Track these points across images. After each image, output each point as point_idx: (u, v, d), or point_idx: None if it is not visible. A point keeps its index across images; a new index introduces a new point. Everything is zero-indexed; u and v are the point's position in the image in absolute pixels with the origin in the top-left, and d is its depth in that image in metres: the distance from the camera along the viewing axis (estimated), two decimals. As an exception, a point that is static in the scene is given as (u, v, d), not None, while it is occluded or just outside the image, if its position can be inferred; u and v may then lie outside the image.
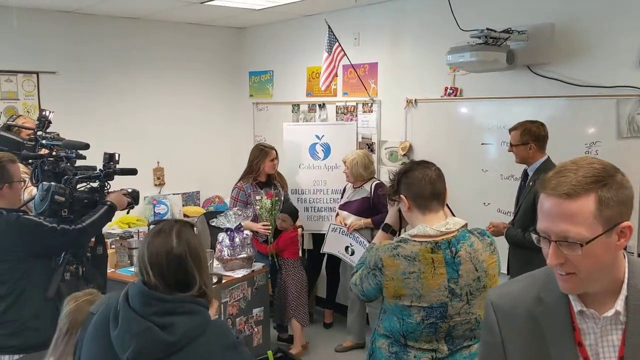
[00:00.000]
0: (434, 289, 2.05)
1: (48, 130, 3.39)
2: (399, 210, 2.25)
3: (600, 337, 1.27)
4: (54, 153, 3.11)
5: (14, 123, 3.80)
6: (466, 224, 2.19)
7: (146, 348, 1.50)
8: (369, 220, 4.57)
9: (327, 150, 5.23)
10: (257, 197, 4.70)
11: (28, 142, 3.21)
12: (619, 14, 3.69)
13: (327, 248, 4.88)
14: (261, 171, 4.79)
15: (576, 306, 1.29)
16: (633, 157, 3.63)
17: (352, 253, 4.65)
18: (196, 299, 1.61)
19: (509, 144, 3.66)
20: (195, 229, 1.71)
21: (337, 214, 4.85)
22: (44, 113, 3.44)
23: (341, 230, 4.68)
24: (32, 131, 3.40)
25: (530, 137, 3.51)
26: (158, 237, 1.64)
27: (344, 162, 4.73)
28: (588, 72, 3.83)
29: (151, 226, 1.76)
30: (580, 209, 1.20)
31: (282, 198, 4.85)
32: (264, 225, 4.68)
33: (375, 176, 4.91)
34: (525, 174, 3.68)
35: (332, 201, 5.17)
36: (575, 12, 3.87)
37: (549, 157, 3.54)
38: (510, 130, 3.63)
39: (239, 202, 4.79)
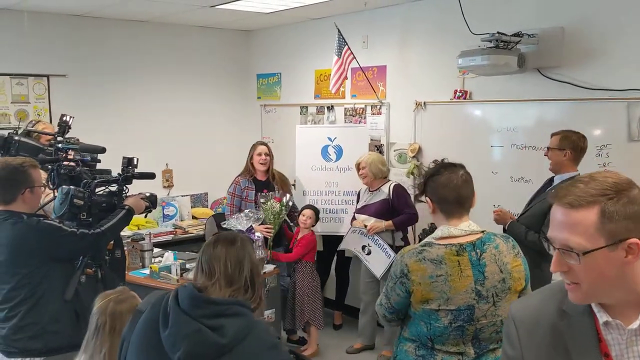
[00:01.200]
0: (461, 292, 2.07)
1: (67, 136, 3.41)
2: None
3: (625, 348, 1.27)
4: (69, 157, 3.14)
5: (33, 129, 3.82)
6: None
7: (197, 349, 1.54)
8: (389, 222, 4.56)
9: (339, 152, 5.25)
10: (262, 200, 4.70)
11: (48, 148, 3.23)
12: (628, 17, 3.71)
13: (344, 244, 4.89)
14: (254, 167, 4.91)
15: (601, 317, 1.29)
16: (644, 160, 3.67)
17: (369, 253, 4.66)
18: (242, 301, 1.66)
19: (546, 148, 3.63)
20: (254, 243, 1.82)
21: (354, 218, 4.83)
22: (64, 118, 3.45)
23: (361, 231, 4.69)
24: (51, 137, 3.41)
25: (568, 143, 3.49)
26: (223, 244, 1.73)
27: (358, 166, 4.71)
28: (598, 75, 3.85)
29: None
30: (582, 219, 1.22)
31: (288, 202, 4.81)
32: (266, 228, 4.67)
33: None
34: (550, 180, 3.65)
35: (345, 203, 5.18)
36: (585, 16, 3.90)
37: (579, 173, 3.53)
38: (552, 134, 3.62)
39: (236, 197, 4.89)
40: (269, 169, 4.97)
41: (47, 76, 5.33)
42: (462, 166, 2.24)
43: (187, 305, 1.60)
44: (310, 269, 4.86)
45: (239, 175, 4.98)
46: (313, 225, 4.87)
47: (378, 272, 4.57)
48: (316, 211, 4.90)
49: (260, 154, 4.88)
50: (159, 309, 1.63)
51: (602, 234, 1.21)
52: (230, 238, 1.77)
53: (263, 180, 4.93)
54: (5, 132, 3.45)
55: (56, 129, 3.54)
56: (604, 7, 3.82)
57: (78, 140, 3.28)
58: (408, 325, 2.24)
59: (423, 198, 2.25)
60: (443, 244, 2.11)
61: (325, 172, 5.26)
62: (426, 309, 2.11)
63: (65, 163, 3.08)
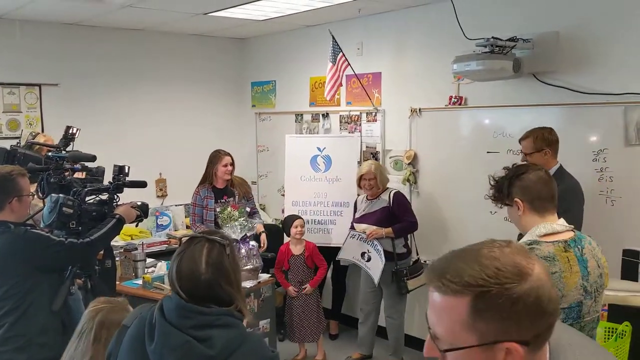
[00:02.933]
0: (572, 288, 2.01)
1: (69, 149, 3.38)
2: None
3: None
4: (67, 165, 3.10)
5: (34, 141, 3.79)
6: None
7: None
8: (389, 229, 4.52)
9: (328, 162, 5.22)
10: (218, 209, 4.52)
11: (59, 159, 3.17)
12: (624, 21, 3.69)
13: (342, 254, 4.84)
14: (216, 176, 4.84)
15: None
16: (642, 165, 3.63)
17: (369, 259, 4.61)
18: (232, 311, 1.60)
19: (522, 154, 3.61)
20: (227, 247, 1.67)
21: (352, 228, 4.78)
22: (70, 131, 3.41)
23: (360, 237, 4.64)
24: (53, 149, 3.38)
25: (544, 143, 3.48)
26: (186, 261, 1.61)
27: (361, 177, 4.60)
28: (594, 80, 3.83)
29: (182, 240, 1.77)
30: (450, 309, 1.00)
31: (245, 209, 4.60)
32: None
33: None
34: None
35: (333, 214, 5.14)
36: (579, 20, 3.88)
37: (561, 164, 3.51)
38: (521, 140, 3.59)
39: (197, 207, 4.86)
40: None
41: (39, 85, 5.27)
42: (540, 166, 2.21)
43: (174, 317, 1.54)
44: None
45: (199, 185, 4.92)
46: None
47: (377, 277, 4.53)
48: (302, 219, 4.93)
49: (226, 165, 4.84)
50: (144, 322, 1.57)
51: (473, 331, 0.98)
52: (198, 248, 1.65)
53: (222, 188, 4.88)
54: (7, 145, 3.43)
55: (57, 142, 3.51)
56: (599, 12, 3.80)
57: (79, 152, 3.24)
58: None
59: (508, 201, 2.16)
60: (550, 241, 2.04)
61: (314, 182, 5.23)
62: None
63: (66, 173, 3.06)
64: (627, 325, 2.66)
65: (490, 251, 1.01)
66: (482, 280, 0.97)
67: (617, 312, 2.81)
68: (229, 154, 4.90)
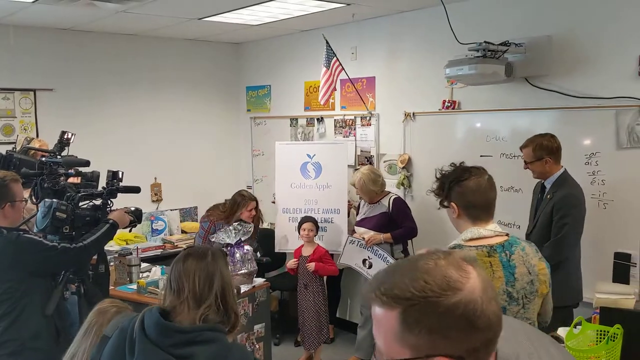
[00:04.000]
0: None
1: (64, 154, 3.39)
2: None
3: None
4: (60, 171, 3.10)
5: (30, 146, 3.80)
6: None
7: None
8: (388, 235, 4.54)
9: (318, 169, 5.22)
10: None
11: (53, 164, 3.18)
12: (616, 25, 3.71)
13: (343, 260, 4.83)
14: (237, 217, 4.78)
15: None
16: (633, 168, 3.65)
17: (370, 266, 4.62)
18: (213, 325, 1.58)
19: (524, 162, 3.61)
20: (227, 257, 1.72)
21: (354, 231, 4.81)
22: (66, 136, 3.42)
23: (359, 243, 4.65)
24: (48, 154, 3.39)
25: (544, 151, 3.47)
26: (194, 258, 1.65)
27: (354, 185, 4.70)
28: (586, 84, 3.85)
29: (184, 246, 1.78)
30: (385, 321, 0.98)
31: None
32: None
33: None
34: (542, 187, 3.63)
35: (324, 220, 5.12)
36: (572, 24, 3.90)
37: (565, 169, 3.52)
38: (522, 147, 3.59)
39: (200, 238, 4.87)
40: None
41: (34, 90, 5.28)
42: (484, 169, 2.19)
43: (154, 334, 1.52)
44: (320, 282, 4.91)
45: (219, 218, 4.82)
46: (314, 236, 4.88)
47: None
48: (314, 221, 4.89)
49: (251, 210, 4.81)
50: (125, 335, 1.56)
51: (405, 344, 0.96)
52: (201, 252, 1.69)
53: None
54: (3, 151, 3.44)
55: (52, 146, 3.52)
56: (590, 16, 3.82)
57: (76, 157, 3.25)
58: None
59: (446, 203, 2.18)
60: (473, 246, 2.06)
61: (304, 189, 5.23)
62: None
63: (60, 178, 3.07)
64: (618, 328, 2.67)
65: (425, 263, 0.99)
66: (409, 293, 0.95)
67: (609, 315, 2.81)
68: (254, 199, 4.85)
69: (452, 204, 2.15)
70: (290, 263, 4.89)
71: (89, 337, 1.93)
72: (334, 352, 5.15)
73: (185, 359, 1.49)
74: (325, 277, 5.08)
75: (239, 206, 4.82)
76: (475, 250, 2.05)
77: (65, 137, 3.53)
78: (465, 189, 2.12)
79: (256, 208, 4.89)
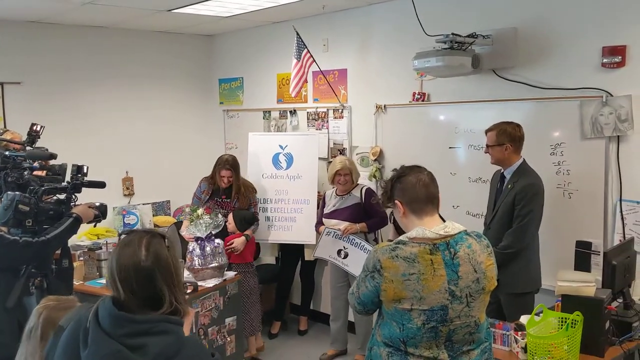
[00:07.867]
0: (435, 291, 2.03)
1: (37, 145, 3.33)
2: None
3: None
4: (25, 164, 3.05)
5: (2, 137, 3.73)
6: (465, 230, 2.17)
7: None
8: (363, 224, 4.56)
9: (290, 160, 5.25)
10: (187, 209, 4.52)
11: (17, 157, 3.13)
12: (581, 17, 3.76)
13: (318, 253, 4.82)
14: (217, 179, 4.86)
15: None
16: (596, 158, 3.71)
17: (346, 256, 4.63)
18: (169, 317, 1.56)
19: (485, 145, 3.65)
20: (166, 240, 1.65)
21: (321, 223, 4.78)
22: (34, 128, 3.37)
23: (335, 234, 4.66)
24: (20, 146, 3.33)
25: (506, 137, 3.51)
26: (126, 250, 1.58)
27: (336, 172, 4.62)
28: (552, 75, 3.90)
29: (121, 236, 1.72)
30: None
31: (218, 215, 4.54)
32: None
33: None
34: (501, 176, 3.67)
35: (293, 211, 5.16)
36: (537, 16, 3.94)
37: (524, 160, 3.56)
38: (487, 131, 3.63)
39: (195, 198, 4.96)
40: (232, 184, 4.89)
41: (2, 84, 5.19)
42: (424, 167, 2.23)
43: (108, 324, 1.51)
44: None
45: (206, 177, 4.98)
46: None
47: (357, 273, 4.54)
48: (243, 218, 4.84)
49: (223, 176, 4.83)
50: (80, 326, 1.55)
51: None
52: (137, 238, 1.61)
53: (224, 188, 4.88)
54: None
55: (24, 138, 3.46)
56: (555, 8, 3.87)
57: (47, 150, 3.20)
58: (381, 326, 2.20)
59: (390, 204, 2.21)
60: (416, 242, 2.07)
61: (275, 180, 5.27)
62: (399, 308, 2.06)
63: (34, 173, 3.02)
64: (578, 315, 2.72)
65: None
66: None
67: (570, 302, 2.86)
68: (229, 169, 4.81)
69: (397, 202, 2.18)
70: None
71: (30, 340, 1.91)
72: (309, 345, 5.16)
73: (137, 349, 1.48)
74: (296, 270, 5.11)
75: (215, 168, 4.92)
76: (417, 246, 2.07)
77: (34, 129, 3.47)
78: (405, 184, 2.16)
79: (234, 178, 4.84)
